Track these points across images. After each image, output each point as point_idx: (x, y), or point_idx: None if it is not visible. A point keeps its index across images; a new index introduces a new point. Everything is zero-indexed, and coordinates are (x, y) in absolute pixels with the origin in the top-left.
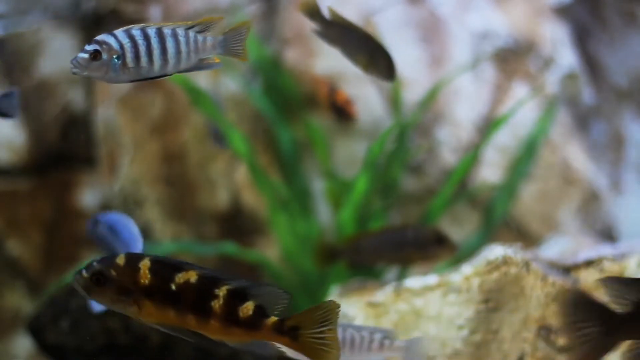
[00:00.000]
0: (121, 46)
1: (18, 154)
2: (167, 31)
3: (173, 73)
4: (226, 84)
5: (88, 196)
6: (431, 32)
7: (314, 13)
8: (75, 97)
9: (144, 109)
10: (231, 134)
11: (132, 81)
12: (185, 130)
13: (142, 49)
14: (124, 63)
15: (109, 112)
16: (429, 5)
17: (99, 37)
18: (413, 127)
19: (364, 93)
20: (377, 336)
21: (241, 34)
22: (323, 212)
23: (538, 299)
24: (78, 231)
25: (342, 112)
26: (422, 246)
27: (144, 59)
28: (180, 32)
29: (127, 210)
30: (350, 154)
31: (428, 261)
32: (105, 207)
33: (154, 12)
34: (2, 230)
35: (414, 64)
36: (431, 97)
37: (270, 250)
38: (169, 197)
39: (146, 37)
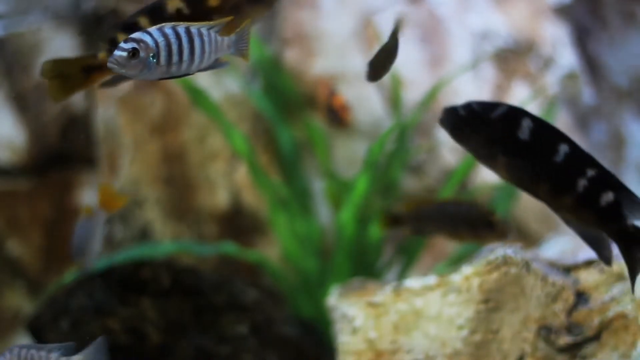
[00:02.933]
0: (156, 44)
1: (18, 154)
2: (194, 30)
3: (194, 72)
4: (226, 84)
5: (88, 196)
6: (431, 32)
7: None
8: (75, 97)
9: (144, 109)
10: (231, 134)
11: (160, 79)
12: (185, 130)
13: (175, 47)
14: (158, 61)
15: (109, 112)
16: (429, 5)
17: (136, 35)
18: (413, 127)
19: (364, 93)
20: (54, 355)
21: (246, 34)
22: (323, 212)
23: (538, 299)
24: None
25: (335, 117)
26: (472, 225)
27: (175, 58)
28: (204, 31)
29: (127, 210)
30: (350, 154)
31: (479, 241)
32: None
33: None
34: (2, 230)
35: (414, 64)
36: (431, 97)
37: (270, 250)
38: (169, 197)
39: (177, 36)
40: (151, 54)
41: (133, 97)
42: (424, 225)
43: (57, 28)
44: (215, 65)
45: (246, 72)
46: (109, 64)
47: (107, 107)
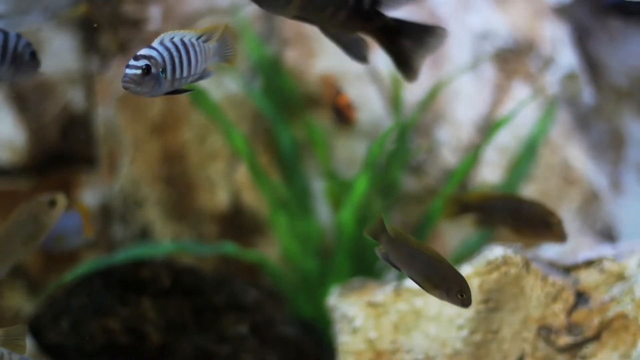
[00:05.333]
0: (163, 59)
1: (18, 154)
2: (187, 41)
3: (190, 84)
4: (226, 84)
5: (88, 196)
6: None
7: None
8: (75, 97)
9: (144, 109)
10: (231, 134)
11: (166, 94)
12: (185, 130)
13: (177, 60)
14: (165, 75)
15: (109, 112)
16: (429, 5)
17: (144, 52)
18: (413, 127)
19: (365, 93)
20: (15, 357)
21: (228, 39)
22: (323, 212)
23: (538, 299)
24: None
25: (341, 116)
26: (531, 223)
27: (177, 71)
28: (195, 41)
29: (127, 210)
30: (350, 154)
31: (537, 240)
32: (106, 207)
33: (154, 12)
34: None
35: None
36: (431, 97)
37: (270, 250)
38: (169, 197)
39: (177, 48)
40: (160, 69)
41: (133, 97)
42: (489, 216)
43: (57, 28)
44: (204, 75)
45: (246, 72)
46: (123, 84)
47: (107, 107)
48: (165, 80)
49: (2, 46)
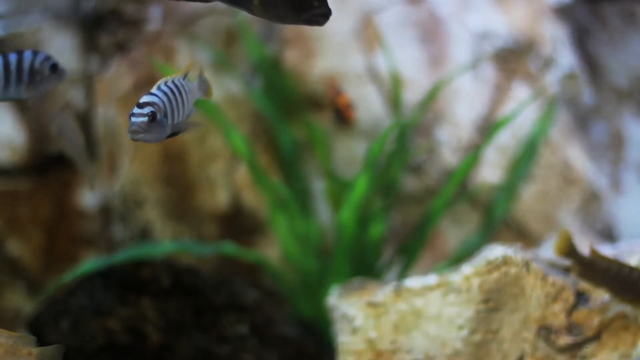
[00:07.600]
0: (164, 103)
1: (18, 154)
2: (178, 83)
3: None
4: (226, 84)
5: (88, 196)
6: (431, 32)
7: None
8: (75, 97)
9: None
10: (231, 134)
11: (166, 137)
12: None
13: (174, 104)
14: (167, 120)
15: (109, 112)
16: (429, 5)
17: (147, 99)
18: (413, 127)
19: (365, 93)
20: None
21: (203, 75)
22: (323, 212)
23: (538, 299)
24: (78, 231)
25: (340, 116)
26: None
27: (176, 114)
28: (183, 82)
29: (127, 210)
30: (350, 154)
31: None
32: (106, 207)
33: (154, 12)
34: (2, 230)
35: (414, 64)
36: (431, 97)
37: (270, 250)
38: (169, 197)
39: (172, 92)
40: (162, 114)
41: (133, 97)
42: (591, 274)
43: (57, 28)
44: (190, 112)
45: (246, 72)
46: (131, 135)
47: (107, 107)
48: (167, 124)
49: (16, 66)
